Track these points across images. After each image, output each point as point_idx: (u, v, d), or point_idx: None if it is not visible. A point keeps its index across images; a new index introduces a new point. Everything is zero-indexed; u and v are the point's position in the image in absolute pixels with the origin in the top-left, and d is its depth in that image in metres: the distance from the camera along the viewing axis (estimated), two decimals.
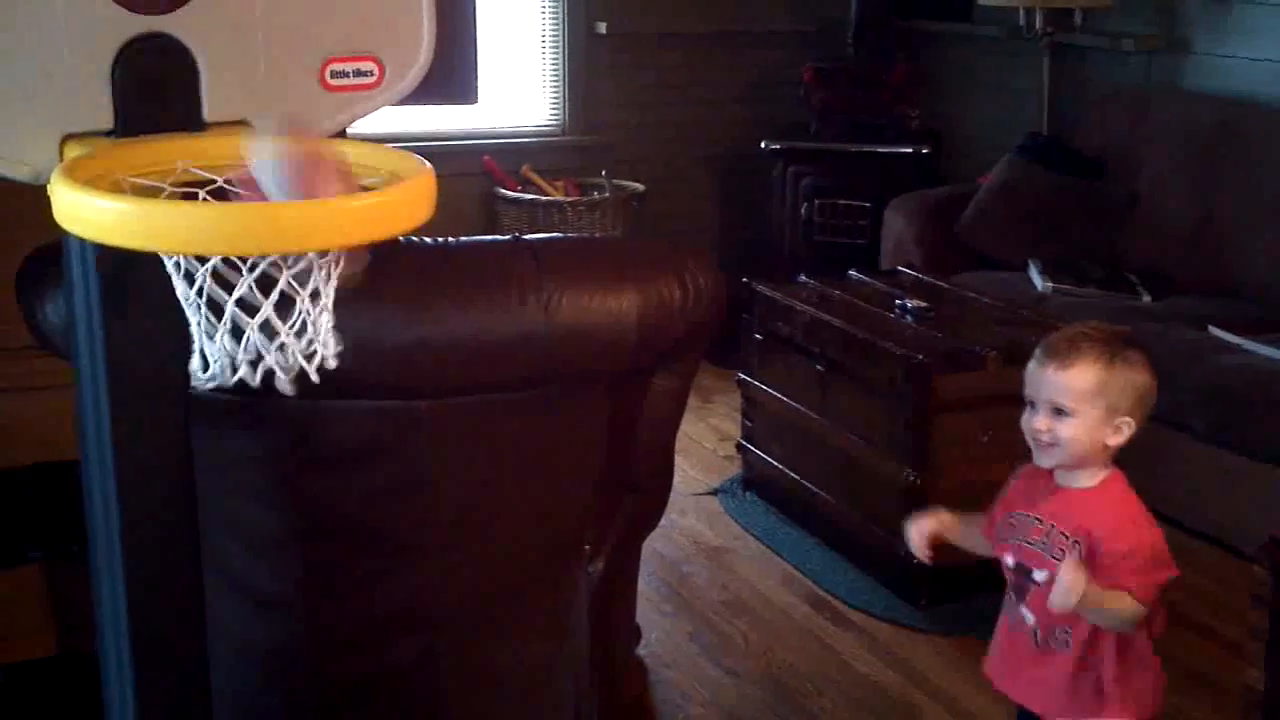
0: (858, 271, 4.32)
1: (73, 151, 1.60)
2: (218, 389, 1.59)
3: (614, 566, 2.54)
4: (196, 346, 1.55)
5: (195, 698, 1.96)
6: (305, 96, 1.80)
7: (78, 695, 2.13)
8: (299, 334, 1.54)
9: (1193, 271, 4.59)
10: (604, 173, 5.52)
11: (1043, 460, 2.18)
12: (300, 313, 1.52)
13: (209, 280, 1.51)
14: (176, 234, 1.38)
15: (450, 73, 3.43)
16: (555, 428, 2.41)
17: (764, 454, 4.16)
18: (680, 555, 3.86)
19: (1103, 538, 2.13)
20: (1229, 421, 3.80)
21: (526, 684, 2.51)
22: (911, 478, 3.50)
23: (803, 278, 4.23)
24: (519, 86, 5.76)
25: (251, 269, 1.51)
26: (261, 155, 1.48)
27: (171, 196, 1.51)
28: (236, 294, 1.49)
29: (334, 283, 1.54)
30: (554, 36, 5.75)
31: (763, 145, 5.57)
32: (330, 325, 1.57)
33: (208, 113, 1.69)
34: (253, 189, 1.48)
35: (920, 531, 2.34)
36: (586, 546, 2.47)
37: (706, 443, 4.66)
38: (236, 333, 1.53)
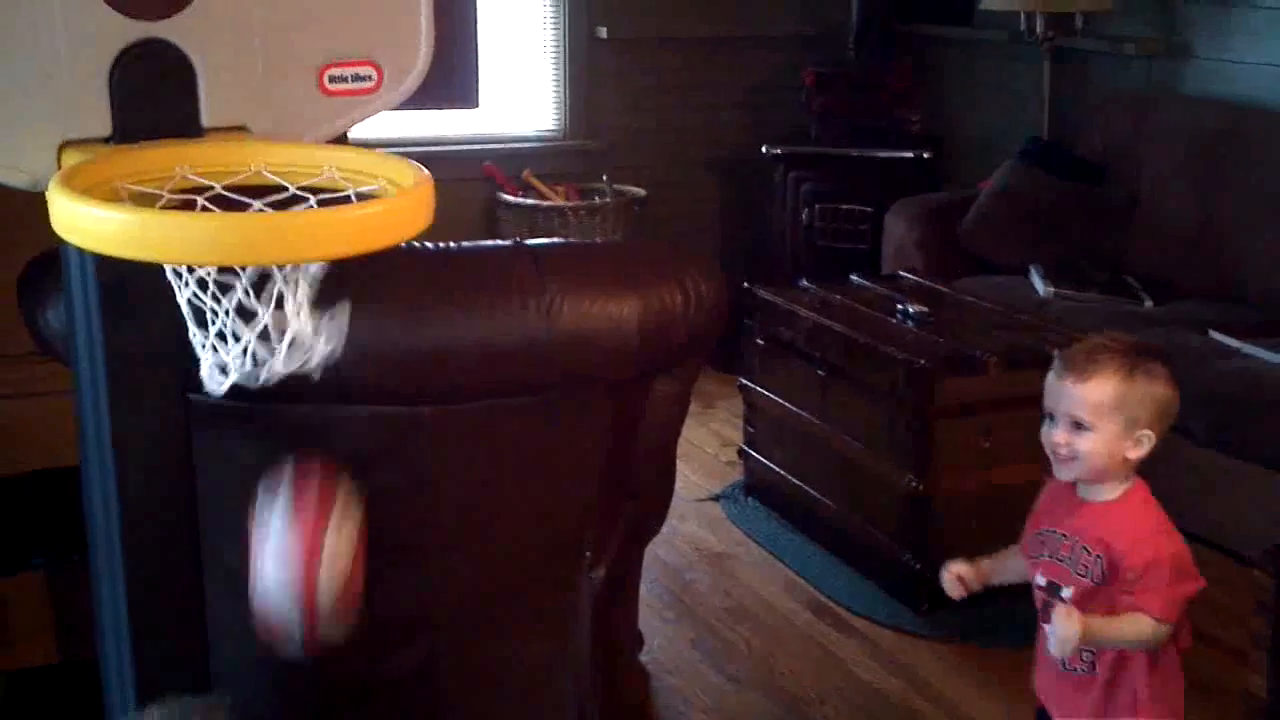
0: (859, 276, 4.31)
1: (70, 158, 1.60)
2: (222, 395, 1.59)
3: (616, 572, 2.54)
4: (205, 355, 1.55)
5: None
6: (304, 101, 1.80)
7: (79, 702, 2.12)
8: (294, 341, 1.53)
9: (1194, 276, 4.59)
10: (605, 177, 5.52)
11: (1062, 474, 2.17)
12: (299, 319, 1.52)
13: (209, 288, 1.51)
14: (174, 245, 1.37)
15: (451, 77, 3.44)
16: (557, 432, 2.40)
17: (766, 459, 4.16)
18: (682, 561, 3.85)
19: (1124, 551, 2.11)
20: (1230, 425, 3.80)
21: (528, 687, 2.51)
22: (913, 483, 3.49)
23: (804, 283, 4.23)
24: (520, 92, 5.76)
25: (249, 275, 1.50)
26: None
27: (170, 204, 1.51)
28: (233, 300, 1.49)
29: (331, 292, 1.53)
30: (555, 41, 5.75)
31: (764, 150, 5.56)
32: (326, 334, 1.56)
33: (206, 118, 1.69)
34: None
35: (961, 581, 2.30)
36: (588, 552, 2.46)
37: (708, 448, 4.66)
38: (233, 339, 1.53)
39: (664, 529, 3.00)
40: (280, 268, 1.49)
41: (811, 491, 3.93)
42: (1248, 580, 2.35)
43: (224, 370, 1.54)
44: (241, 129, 1.73)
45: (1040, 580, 2.21)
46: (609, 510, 2.49)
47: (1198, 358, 3.97)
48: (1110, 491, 2.15)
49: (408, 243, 1.88)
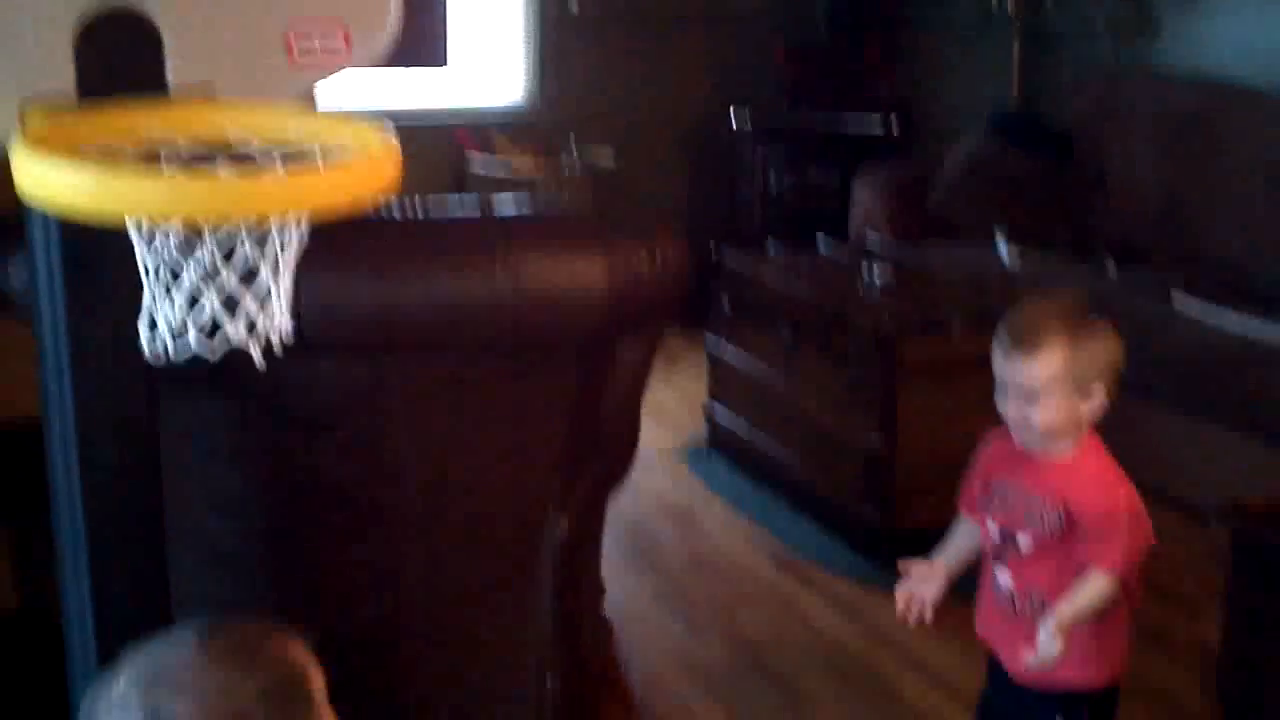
0: (825, 241, 4.33)
1: (34, 117, 1.59)
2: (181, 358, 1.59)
3: (580, 526, 2.56)
4: (149, 313, 1.55)
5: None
6: (270, 62, 1.79)
7: (41, 651, 2.13)
8: (260, 303, 1.54)
9: (1160, 242, 4.62)
10: (574, 146, 5.51)
11: (1022, 440, 2.19)
12: (262, 279, 1.52)
13: (171, 248, 1.51)
14: (138, 204, 1.38)
15: (419, 36, 3.43)
16: (522, 392, 2.42)
17: (731, 417, 4.19)
18: (646, 516, 3.88)
19: (1082, 507, 2.15)
20: (1191, 387, 3.84)
21: (490, 640, 2.53)
22: (876, 442, 3.52)
23: (771, 247, 4.24)
24: (491, 60, 5.73)
25: (214, 235, 1.50)
26: None
27: (134, 163, 1.51)
28: (198, 261, 1.49)
29: (295, 251, 1.54)
30: (527, 11, 5.72)
31: (733, 119, 5.55)
32: (291, 294, 1.57)
33: (171, 79, 1.68)
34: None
35: (920, 602, 2.29)
36: (552, 507, 2.48)
37: (673, 405, 4.68)
38: (195, 299, 1.53)
39: (628, 484, 3.02)
40: (252, 233, 1.50)
41: (775, 448, 3.96)
42: (1205, 537, 2.39)
43: (180, 337, 1.54)
44: (207, 88, 1.72)
45: (992, 529, 2.25)
46: (573, 466, 2.51)
47: (1161, 322, 4.01)
48: (1064, 448, 2.19)
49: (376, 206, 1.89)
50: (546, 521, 2.49)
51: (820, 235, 4.32)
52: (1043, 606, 2.20)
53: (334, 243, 2.09)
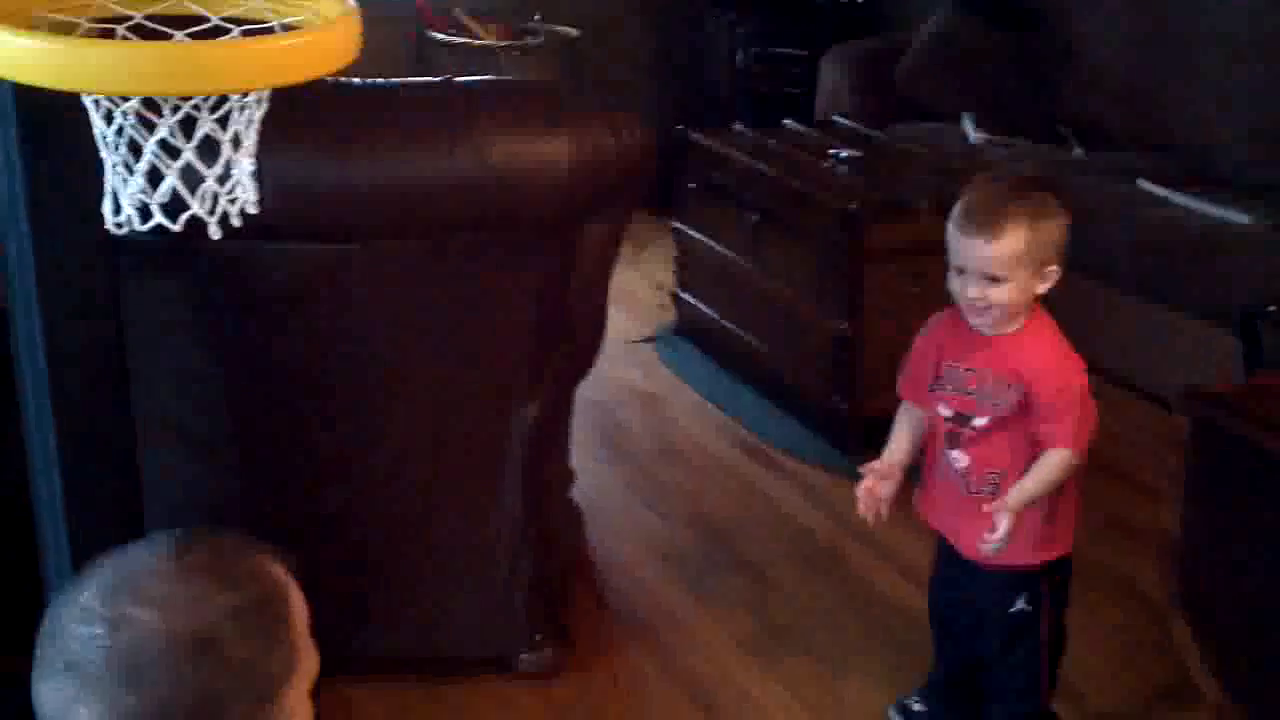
0: (792, 121, 4.30)
1: None
2: (143, 231, 1.57)
3: (547, 411, 2.56)
4: (109, 189, 1.52)
5: (129, 539, 1.96)
6: None
7: (11, 539, 2.13)
8: (221, 178, 1.51)
9: (1126, 124, 4.61)
10: (538, 17, 5.42)
11: (978, 323, 2.20)
12: (223, 156, 1.50)
13: (129, 122, 1.48)
14: (94, 73, 1.35)
15: None
16: (488, 273, 2.40)
17: (698, 303, 4.18)
18: (615, 402, 3.89)
19: (1036, 379, 2.18)
20: (1155, 273, 3.86)
21: (461, 527, 2.54)
22: (843, 326, 3.53)
23: (738, 127, 4.21)
24: None
25: (173, 111, 1.48)
26: None
27: (89, 33, 1.48)
28: (156, 136, 1.46)
29: (256, 125, 1.51)
30: None
31: None
32: (252, 170, 1.54)
33: None
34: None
35: (879, 497, 2.31)
36: (520, 391, 2.48)
37: (641, 291, 4.67)
38: (155, 176, 1.50)
39: (596, 371, 3.02)
40: (212, 108, 1.47)
41: (742, 334, 3.97)
42: (1166, 423, 2.41)
43: (142, 212, 1.52)
44: None
45: (945, 411, 2.27)
46: (540, 350, 2.51)
47: (1126, 206, 4.02)
48: (1016, 325, 2.20)
49: (335, 78, 1.85)
50: (514, 407, 2.49)
51: (788, 121, 4.28)
52: (997, 485, 2.22)
53: (294, 119, 2.07)
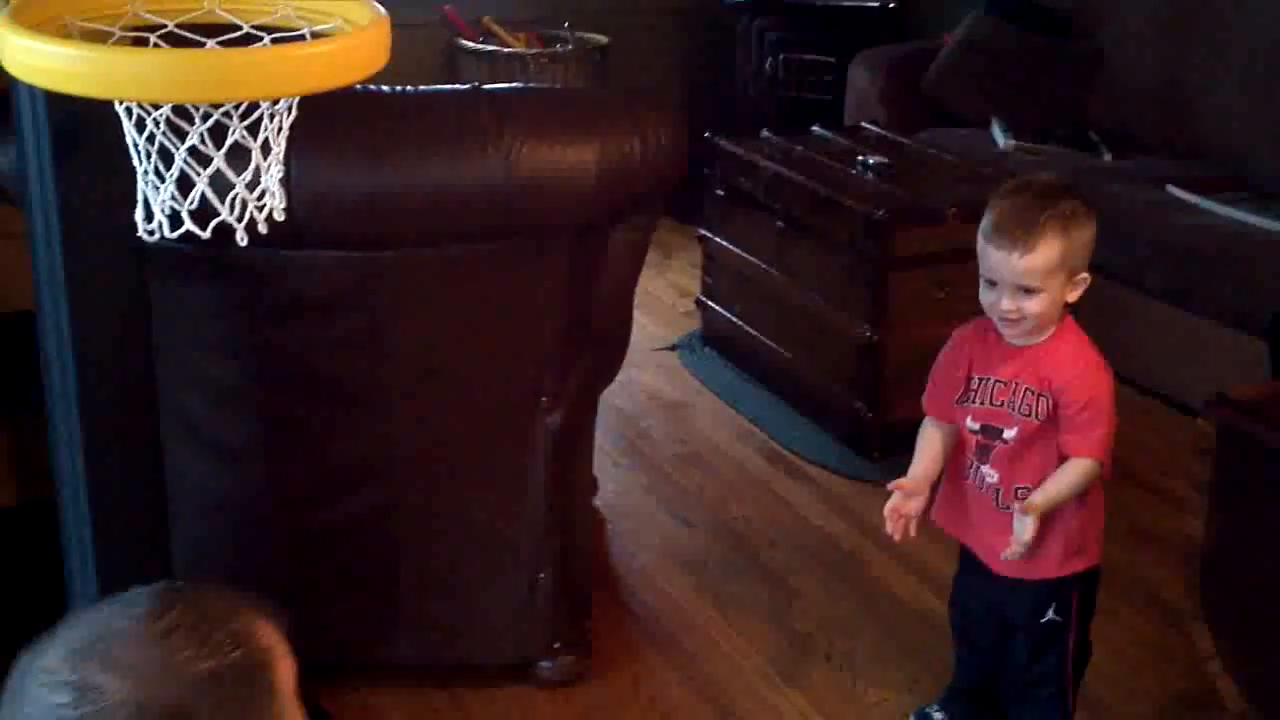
0: (820, 127, 4.30)
1: None
2: (172, 239, 1.58)
3: (572, 418, 2.56)
4: (140, 196, 1.54)
5: (154, 548, 1.98)
6: None
7: (38, 544, 2.14)
8: (250, 185, 1.53)
9: (1155, 130, 4.59)
10: (567, 25, 5.44)
11: (1010, 335, 2.20)
12: (252, 163, 1.51)
13: (161, 130, 1.49)
14: (127, 81, 1.36)
15: None
16: (515, 279, 2.41)
17: (723, 310, 4.18)
18: (638, 409, 3.89)
19: (1066, 387, 2.18)
20: (1183, 280, 3.84)
21: (483, 531, 2.55)
22: (868, 333, 3.52)
23: (765, 133, 4.21)
24: None
25: (204, 118, 1.49)
26: None
27: (121, 42, 1.49)
28: (188, 143, 1.48)
29: (286, 133, 1.52)
30: None
31: None
32: (281, 176, 1.56)
33: None
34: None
35: (906, 515, 2.30)
36: (544, 399, 2.49)
37: (666, 298, 4.67)
38: (185, 183, 1.52)
39: (621, 377, 3.03)
40: (242, 115, 1.48)
41: (767, 341, 3.96)
42: (1192, 431, 2.40)
43: (172, 219, 1.53)
44: None
45: (973, 425, 2.25)
46: (566, 357, 2.51)
47: (1155, 212, 4.00)
48: (1045, 333, 2.20)
49: (365, 86, 1.86)
50: (539, 414, 2.49)
51: (816, 128, 4.28)
52: (1027, 494, 2.22)
53: (324, 125, 2.09)
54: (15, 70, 1.40)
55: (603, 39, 5.46)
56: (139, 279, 1.84)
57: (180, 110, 1.49)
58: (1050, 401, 2.17)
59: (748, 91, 5.55)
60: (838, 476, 3.54)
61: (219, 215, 1.53)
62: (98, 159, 1.67)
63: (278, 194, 1.56)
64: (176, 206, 1.52)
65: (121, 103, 1.49)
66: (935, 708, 2.55)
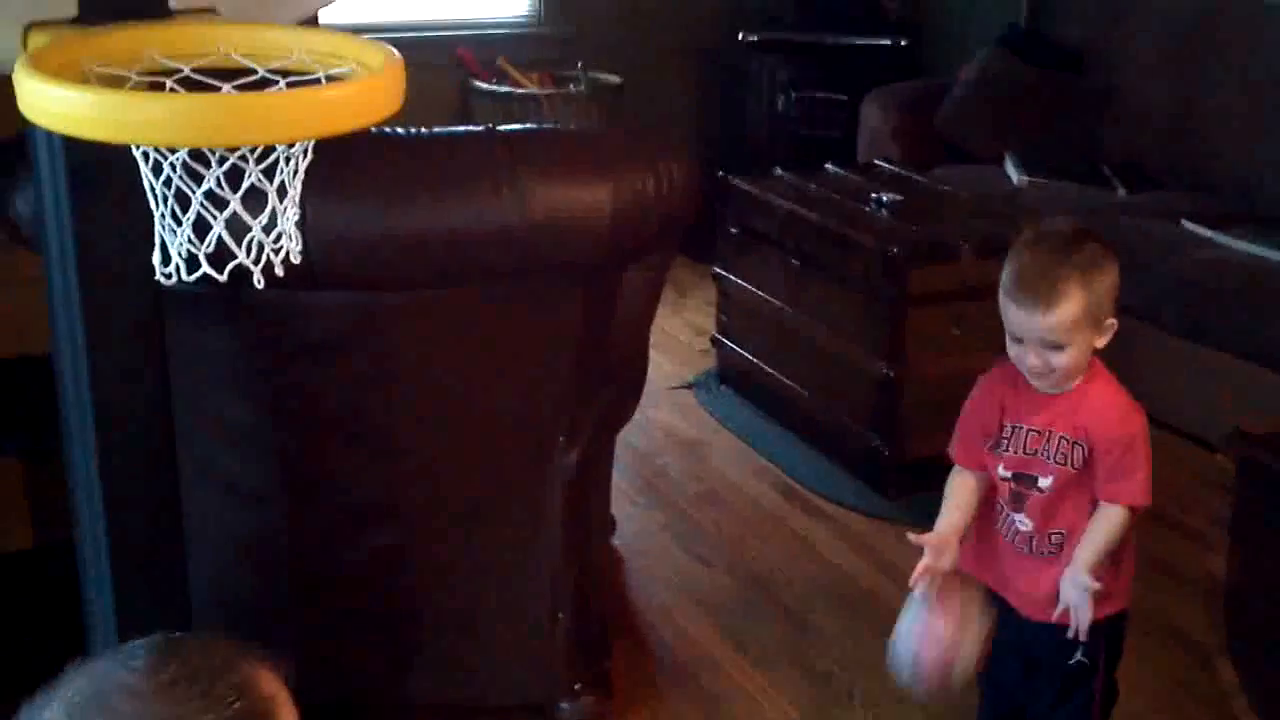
0: (833, 165, 4.31)
1: (37, 40, 1.58)
2: (189, 281, 1.59)
3: (588, 458, 2.56)
4: (157, 239, 1.54)
5: (173, 590, 1.98)
6: None
7: (56, 587, 2.14)
8: (267, 228, 1.53)
9: (1170, 165, 4.60)
10: (580, 65, 5.46)
11: (1041, 386, 2.16)
12: (269, 206, 1.51)
13: (178, 174, 1.50)
14: (144, 125, 1.36)
15: None
16: (530, 320, 2.41)
17: (738, 348, 4.18)
18: (654, 448, 3.89)
19: (1102, 436, 2.13)
20: (1200, 314, 3.83)
21: (500, 572, 2.54)
22: (885, 370, 3.52)
23: (778, 171, 4.22)
24: None
25: (220, 162, 1.49)
26: None
27: (138, 86, 1.50)
28: (204, 186, 1.48)
29: (301, 176, 1.53)
30: None
31: (740, 37, 5.51)
32: (297, 219, 1.56)
33: (174, 0, 1.67)
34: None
35: (938, 572, 2.23)
36: (561, 438, 2.48)
37: (682, 337, 4.67)
38: (202, 226, 1.52)
39: (637, 416, 3.02)
40: (258, 159, 1.48)
41: (783, 379, 3.96)
42: (1212, 466, 2.39)
43: (189, 263, 1.53)
44: (210, 11, 1.71)
45: (1005, 473, 2.22)
46: (582, 397, 2.51)
47: (1170, 246, 4.00)
48: (1075, 379, 2.17)
49: (379, 128, 1.87)
50: (555, 453, 2.49)
51: (829, 165, 4.29)
52: (1061, 546, 2.19)
53: (339, 168, 2.09)
54: (33, 115, 1.41)
55: (615, 79, 5.48)
56: (156, 321, 1.84)
57: (197, 154, 1.50)
58: (1085, 449, 2.14)
59: (760, 130, 5.57)
60: (855, 514, 3.53)
61: (236, 258, 1.53)
62: (115, 203, 1.68)
63: (294, 236, 1.56)
64: (193, 249, 1.53)
65: (138, 147, 1.50)
66: None
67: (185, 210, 1.52)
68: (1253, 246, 3.92)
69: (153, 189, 1.52)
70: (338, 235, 2.15)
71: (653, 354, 2.88)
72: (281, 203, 1.53)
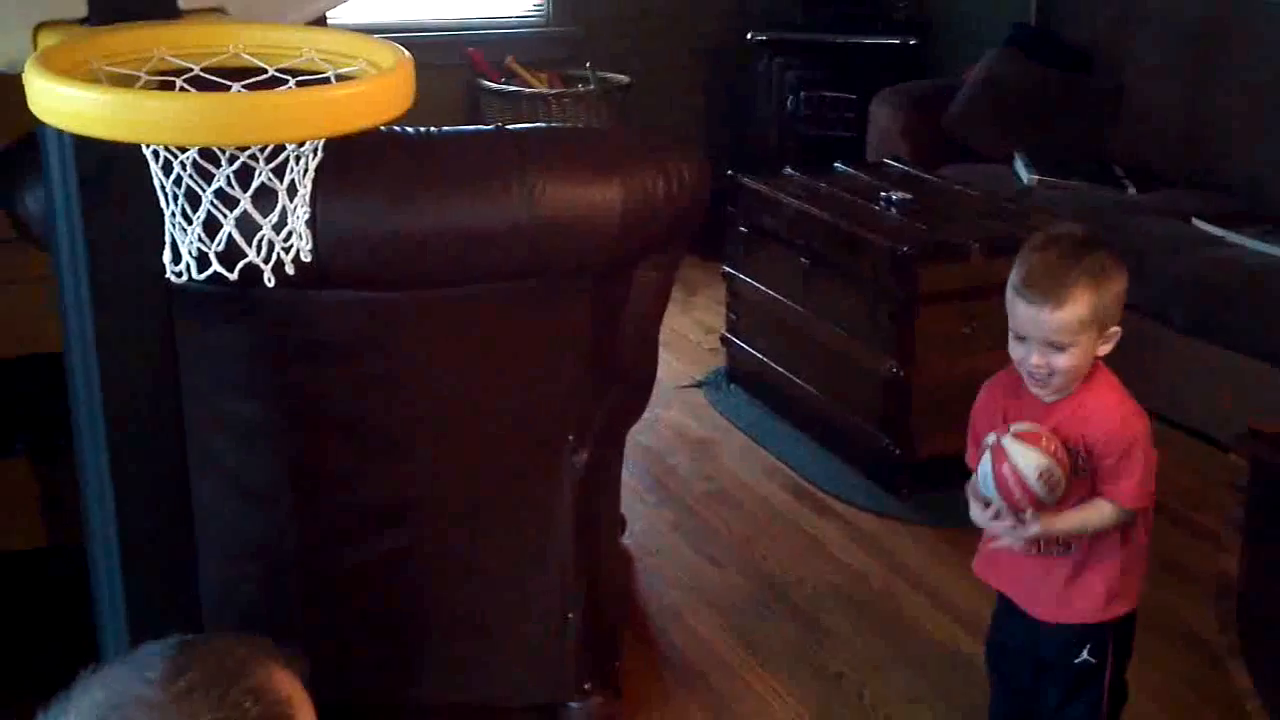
0: (843, 164, 4.30)
1: (47, 40, 1.58)
2: (200, 280, 1.59)
3: (598, 457, 2.56)
4: (168, 238, 1.54)
5: (183, 590, 1.98)
6: None
7: (67, 586, 2.14)
8: (277, 227, 1.53)
9: (1178, 164, 4.58)
10: (589, 65, 5.46)
11: (1041, 393, 2.16)
12: (279, 205, 1.51)
13: (188, 173, 1.50)
14: (154, 124, 1.36)
15: None
16: (539, 319, 2.41)
17: (748, 346, 4.18)
18: (664, 447, 3.89)
19: (1103, 441, 2.14)
20: (1211, 313, 3.82)
21: (511, 571, 2.54)
22: (894, 369, 3.51)
23: (788, 170, 4.22)
24: None
25: (230, 161, 1.49)
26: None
27: (148, 85, 1.50)
28: (214, 185, 1.48)
29: (311, 175, 1.52)
30: None
31: (749, 36, 5.51)
32: (307, 218, 1.56)
33: (182, 4, 1.67)
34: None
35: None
36: (570, 437, 2.48)
37: (691, 336, 4.67)
38: (212, 225, 1.52)
39: (647, 415, 3.02)
40: (268, 158, 1.48)
41: (793, 378, 3.96)
42: (1223, 465, 2.38)
43: (202, 259, 1.53)
44: (219, 10, 1.71)
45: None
46: (592, 396, 2.51)
47: (1180, 246, 3.99)
48: (1077, 385, 2.17)
49: (388, 127, 1.87)
50: (565, 453, 2.49)
51: (839, 165, 4.29)
52: (1067, 546, 2.20)
53: (349, 167, 2.10)
54: (43, 114, 1.41)
55: (624, 79, 5.48)
56: (167, 320, 1.84)
57: (207, 153, 1.50)
58: (1084, 456, 2.15)
59: (769, 129, 5.57)
60: (866, 513, 3.52)
61: (246, 257, 1.53)
62: (125, 202, 1.68)
63: (304, 235, 1.56)
64: (204, 248, 1.53)
65: (149, 146, 1.50)
66: None
67: (195, 209, 1.52)
68: (1263, 245, 3.91)
69: (163, 188, 1.52)
70: (347, 234, 2.15)
71: (662, 353, 2.88)
72: (291, 201, 1.53)
